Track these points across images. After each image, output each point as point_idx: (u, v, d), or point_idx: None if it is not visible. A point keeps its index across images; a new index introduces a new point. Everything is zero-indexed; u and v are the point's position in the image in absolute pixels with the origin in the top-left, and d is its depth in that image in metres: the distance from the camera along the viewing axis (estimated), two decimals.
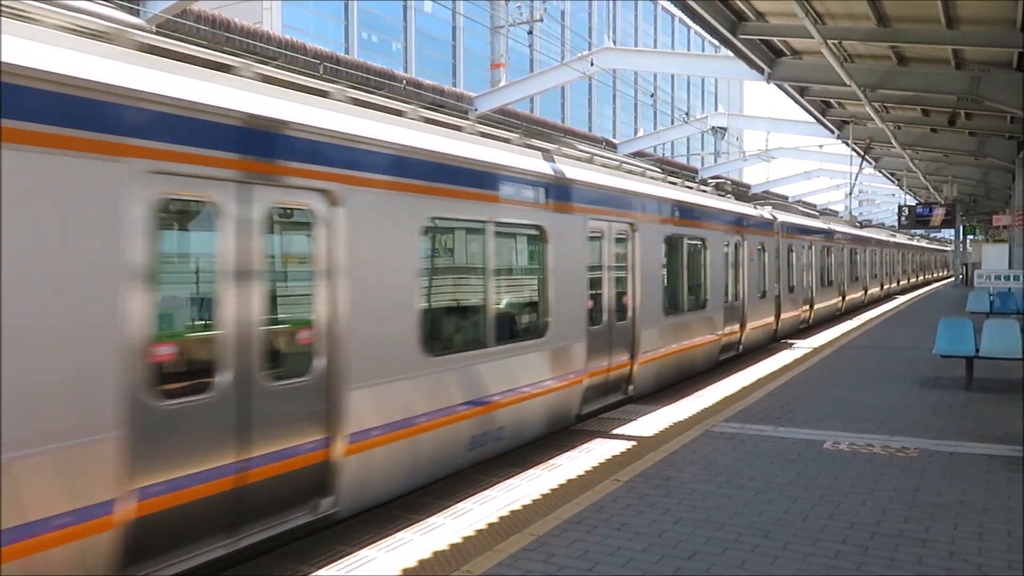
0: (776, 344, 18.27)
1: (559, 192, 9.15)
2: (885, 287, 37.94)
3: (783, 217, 20.14)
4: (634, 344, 11.00)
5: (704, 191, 15.91)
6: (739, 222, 16.05)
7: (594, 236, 10.11)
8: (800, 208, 25.89)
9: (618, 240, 10.79)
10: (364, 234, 6.27)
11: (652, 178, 13.13)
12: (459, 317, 8.26)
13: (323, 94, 6.69)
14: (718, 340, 14.43)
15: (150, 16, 11.56)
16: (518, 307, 9.32)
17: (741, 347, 15.95)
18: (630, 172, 12.34)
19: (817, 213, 31.88)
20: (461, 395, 7.38)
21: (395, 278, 6.61)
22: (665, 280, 12.38)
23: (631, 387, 10.94)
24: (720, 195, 17.07)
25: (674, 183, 14.18)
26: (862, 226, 33.92)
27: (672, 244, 12.82)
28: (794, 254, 20.57)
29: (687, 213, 13.14)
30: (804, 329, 21.61)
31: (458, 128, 8.32)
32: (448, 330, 8.05)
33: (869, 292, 32.79)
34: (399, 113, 7.47)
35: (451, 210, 7.43)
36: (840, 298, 26.71)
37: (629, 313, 10.98)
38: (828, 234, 25.06)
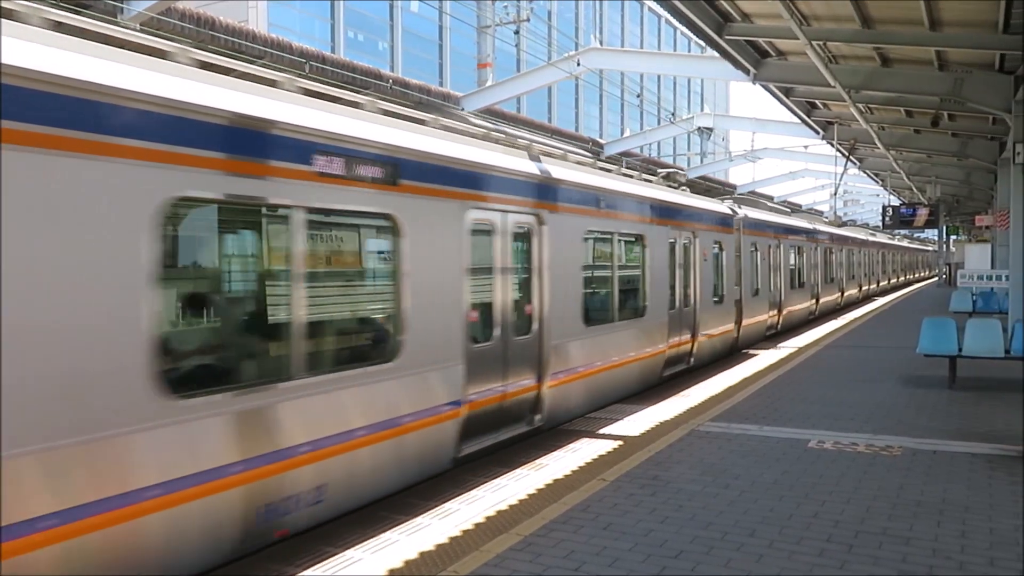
0: (738, 354, 16.54)
1: (420, 171, 7.11)
2: (864, 289, 36.27)
3: (746, 212, 18.25)
4: (542, 363, 8.99)
5: (648, 181, 13.86)
6: (690, 217, 13.94)
7: (479, 229, 8.09)
8: (769, 204, 24.16)
9: (518, 235, 8.80)
10: (15, 214, 4.16)
11: (579, 163, 11.12)
12: (242, 339, 6.19)
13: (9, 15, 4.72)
14: (661, 353, 12.43)
15: (134, 14, 11.48)
16: (351, 323, 7.27)
17: (692, 360, 13.98)
18: (547, 155, 10.25)
19: (789, 210, 29.87)
20: (239, 449, 5.27)
21: (92, 284, 4.50)
22: (588, 284, 10.39)
23: (539, 416, 8.98)
24: (671, 186, 14.94)
25: (607, 170, 12.18)
26: (841, 225, 32.70)
27: (597, 241, 10.93)
28: (759, 253, 18.69)
29: (617, 204, 11.07)
30: (772, 336, 19.85)
31: (271, 83, 6.36)
32: (215, 359, 5.95)
33: (846, 294, 31.26)
34: (162, 54, 5.56)
35: (219, 188, 5.30)
36: (813, 301, 25.06)
37: (535, 326, 8.97)
38: (799, 232, 23.35)
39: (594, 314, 10.60)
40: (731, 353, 16.43)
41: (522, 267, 8.95)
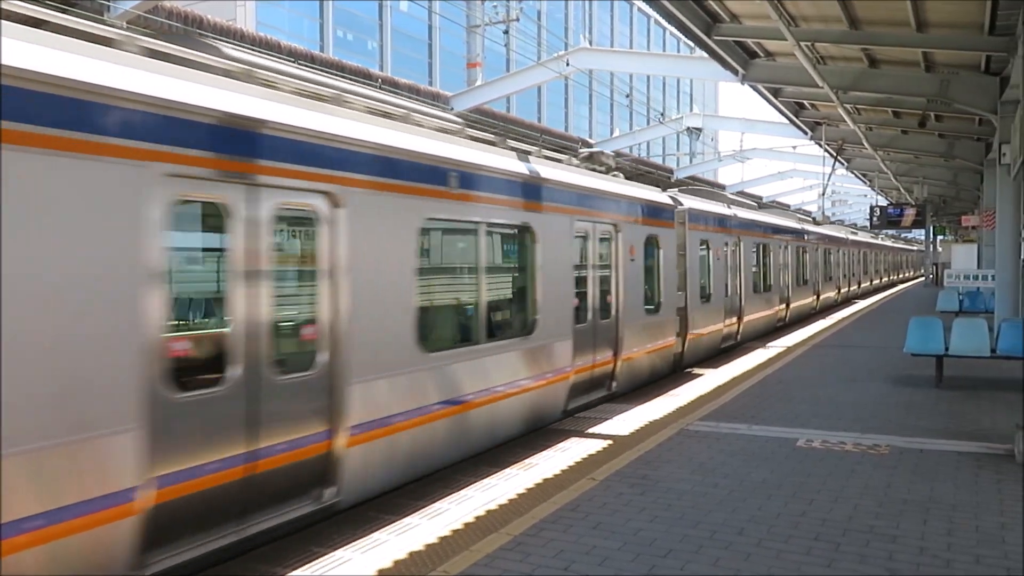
0: (682, 374, 14.07)
1: (36, 105, 4.25)
2: (843, 291, 33.67)
3: (693, 203, 15.40)
4: (334, 412, 6.21)
5: (555, 159, 10.76)
6: (608, 205, 11.17)
7: (197, 212, 5.80)
8: (730, 196, 20.91)
9: (289, 223, 6.31)
10: None
11: (440, 129, 8.38)
12: None
13: None
14: (563, 379, 9.80)
15: (120, 12, 11.43)
16: None
17: (615, 384, 11.36)
18: (387, 116, 7.63)
19: (756, 204, 26.79)
20: None
21: None
22: (430, 293, 7.86)
23: (332, 488, 6.22)
24: (595, 170, 11.99)
25: (488, 142, 9.25)
26: (817, 223, 30.99)
27: (448, 233, 8.45)
28: (712, 252, 16.07)
29: (484, 184, 8.26)
30: (731, 347, 17.39)
31: None
32: None
33: (823, 297, 28.74)
34: None
35: None
36: (783, 306, 22.52)
37: (320, 357, 6.15)
38: (764, 228, 20.64)
39: (441, 335, 8.14)
40: (674, 372, 13.87)
41: (297, 271, 6.41)
